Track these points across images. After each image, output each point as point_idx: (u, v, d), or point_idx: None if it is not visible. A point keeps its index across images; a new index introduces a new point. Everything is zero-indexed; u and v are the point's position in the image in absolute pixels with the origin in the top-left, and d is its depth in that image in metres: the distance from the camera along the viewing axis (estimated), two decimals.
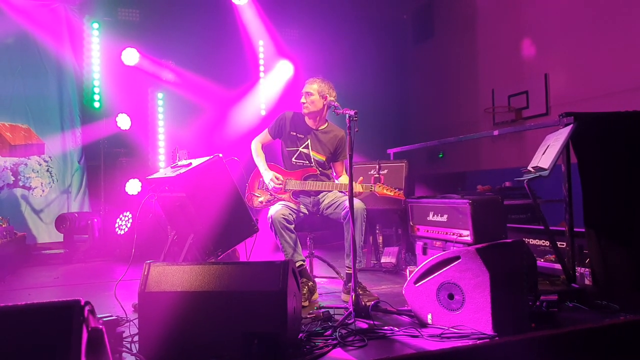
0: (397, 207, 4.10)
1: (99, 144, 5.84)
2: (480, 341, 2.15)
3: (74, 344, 1.14)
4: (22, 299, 3.42)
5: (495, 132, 4.44)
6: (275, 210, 3.15)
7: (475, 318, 2.27)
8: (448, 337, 2.22)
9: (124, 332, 2.19)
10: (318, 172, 3.40)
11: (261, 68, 6.85)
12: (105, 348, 1.28)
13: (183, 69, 6.13)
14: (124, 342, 2.13)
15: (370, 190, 3.18)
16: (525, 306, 2.46)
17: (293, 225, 3.17)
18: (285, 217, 3.12)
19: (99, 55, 5.87)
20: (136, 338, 2.14)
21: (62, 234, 5.36)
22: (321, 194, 3.38)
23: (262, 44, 6.85)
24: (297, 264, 3.12)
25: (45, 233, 5.63)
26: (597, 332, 2.33)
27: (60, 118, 5.83)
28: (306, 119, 3.46)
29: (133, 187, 5.63)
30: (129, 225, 5.47)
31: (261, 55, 6.85)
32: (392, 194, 3.16)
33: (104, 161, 5.85)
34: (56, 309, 1.19)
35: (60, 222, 5.28)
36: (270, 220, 3.12)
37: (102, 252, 5.34)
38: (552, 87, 5.72)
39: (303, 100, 3.40)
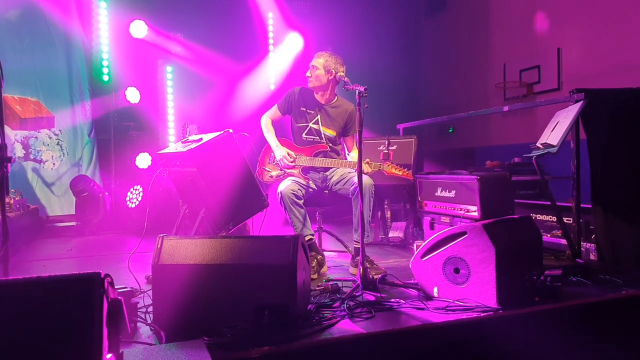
0: (405, 183, 4.13)
1: (108, 118, 5.88)
2: (485, 314, 2.20)
3: (96, 314, 1.20)
4: (38, 270, 3.53)
5: (505, 108, 4.41)
6: (285, 185, 3.19)
7: (480, 292, 2.32)
8: (453, 310, 2.27)
9: (138, 303, 2.28)
10: (328, 148, 3.43)
11: (270, 41, 6.77)
12: (123, 318, 1.34)
13: (192, 42, 6.10)
14: (139, 313, 2.21)
15: (379, 169, 3.21)
16: (529, 280, 2.51)
17: (302, 201, 3.22)
18: (295, 192, 3.17)
19: (107, 28, 5.84)
20: (150, 309, 2.22)
21: (75, 206, 5.46)
22: (330, 170, 3.42)
23: (271, 16, 6.76)
24: (307, 238, 3.18)
25: (57, 206, 5.72)
26: (599, 306, 2.38)
27: (70, 91, 5.83)
28: (315, 94, 3.47)
29: (143, 160, 5.69)
30: (139, 198, 5.56)
31: (270, 28, 6.77)
32: (400, 173, 3.19)
33: (114, 135, 5.90)
34: (78, 281, 1.24)
35: (76, 182, 5.34)
36: (279, 195, 3.17)
37: (113, 225, 5.43)
38: (564, 62, 5.63)
39: (308, 74, 3.40)
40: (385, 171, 3.22)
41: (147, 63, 6.00)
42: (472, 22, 7.08)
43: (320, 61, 3.35)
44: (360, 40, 6.87)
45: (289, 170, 3.39)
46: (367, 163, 3.20)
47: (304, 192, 3.28)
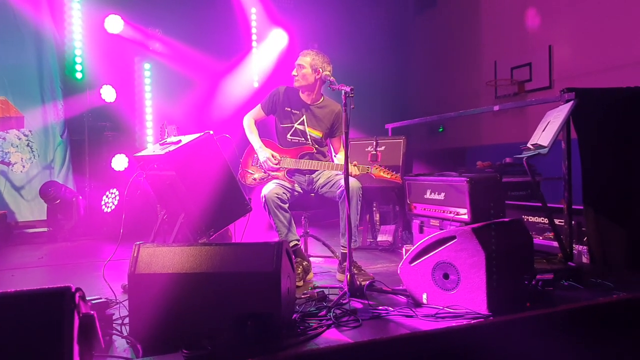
0: (394, 185, 4.14)
1: (82, 118, 5.81)
2: (475, 321, 2.22)
3: (66, 331, 1.18)
4: (6, 281, 3.45)
5: (496, 108, 4.46)
6: (269, 189, 3.19)
7: (470, 298, 2.34)
8: (443, 317, 2.28)
9: (113, 314, 2.24)
10: (314, 149, 3.43)
11: (254, 37, 6.76)
12: (96, 333, 1.32)
13: (171, 38, 6.04)
14: (114, 325, 2.18)
15: (367, 172, 3.22)
16: (520, 286, 2.54)
17: (287, 205, 3.22)
18: (279, 196, 3.16)
19: (81, 23, 5.76)
20: (126, 320, 2.19)
21: (46, 211, 5.37)
22: (316, 173, 3.42)
23: (254, 12, 6.74)
24: (292, 244, 3.17)
25: (27, 210, 5.62)
26: (591, 311, 2.42)
27: (40, 89, 5.74)
28: (300, 93, 3.47)
29: (119, 162, 5.63)
30: (115, 202, 5.50)
31: (253, 24, 6.76)
32: (388, 176, 3.22)
33: (88, 135, 5.83)
34: (47, 295, 1.22)
35: (46, 188, 5.26)
36: (263, 199, 3.16)
37: (87, 230, 5.36)
38: (556, 60, 5.71)
39: (294, 72, 3.40)
40: (373, 174, 3.24)
41: (123, 60, 5.94)
42: (462, 19, 7.15)
43: (307, 59, 3.35)
44: (347, 37, 6.89)
45: (273, 173, 3.38)
46: (355, 165, 3.21)
47: (288, 195, 3.27)
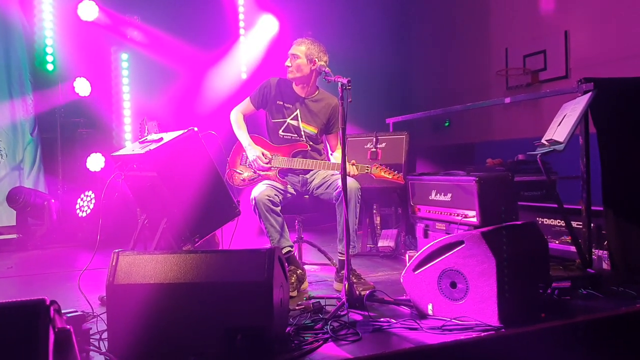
0: (396, 186, 4.16)
1: (54, 113, 5.81)
2: (485, 333, 2.24)
3: (41, 348, 1.19)
4: None
5: (507, 100, 4.48)
6: (259, 191, 3.19)
7: (480, 308, 2.36)
8: (450, 330, 2.31)
9: (90, 328, 2.25)
10: (308, 147, 3.45)
11: (241, 24, 6.75)
12: (73, 349, 1.33)
13: (150, 26, 6.04)
14: (91, 340, 2.19)
15: (366, 172, 3.24)
16: (535, 295, 2.56)
17: (279, 208, 3.23)
18: (271, 198, 3.18)
19: (52, 10, 5.75)
20: (105, 335, 2.19)
21: (15, 216, 5.36)
22: (311, 173, 3.43)
23: None
24: (284, 251, 3.19)
25: None
26: (612, 321, 2.44)
27: (8, 83, 5.73)
28: (294, 86, 3.48)
29: (95, 162, 5.65)
30: (91, 206, 5.51)
31: (241, 9, 6.75)
32: (390, 176, 3.24)
33: (60, 133, 5.83)
34: (19, 309, 1.23)
35: (13, 195, 5.26)
36: (253, 202, 3.17)
37: (61, 237, 5.38)
38: (572, 47, 5.73)
39: (288, 63, 3.41)
40: (373, 174, 3.26)
41: (98, 50, 5.93)
42: (470, 1, 7.17)
43: (302, 49, 3.36)
44: (344, 24, 6.90)
45: (263, 173, 3.39)
46: (353, 164, 3.23)
47: (281, 197, 3.29)
